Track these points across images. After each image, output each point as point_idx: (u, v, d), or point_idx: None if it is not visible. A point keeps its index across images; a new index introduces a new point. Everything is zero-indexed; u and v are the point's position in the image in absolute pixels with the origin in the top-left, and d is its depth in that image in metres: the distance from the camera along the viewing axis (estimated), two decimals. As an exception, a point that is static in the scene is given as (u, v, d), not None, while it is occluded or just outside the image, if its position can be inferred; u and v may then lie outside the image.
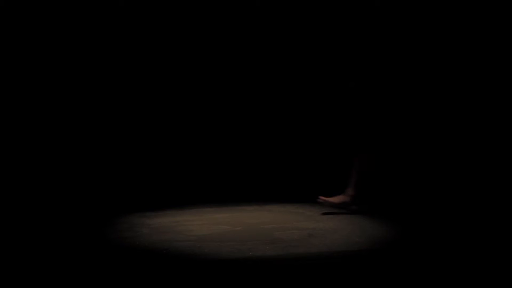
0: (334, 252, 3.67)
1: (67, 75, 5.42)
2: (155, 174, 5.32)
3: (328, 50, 5.64)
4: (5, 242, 3.76)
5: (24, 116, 5.29)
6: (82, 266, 3.37)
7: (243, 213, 4.68)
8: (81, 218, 4.35)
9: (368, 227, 4.22)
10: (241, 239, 3.90)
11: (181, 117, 5.62)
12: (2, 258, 3.46)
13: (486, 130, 5.40)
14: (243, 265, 3.44)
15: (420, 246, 3.81)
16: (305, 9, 5.60)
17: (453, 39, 5.35)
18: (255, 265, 3.44)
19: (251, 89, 5.75)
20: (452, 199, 4.94)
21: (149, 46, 5.54)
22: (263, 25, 5.71)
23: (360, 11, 4.19)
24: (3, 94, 5.22)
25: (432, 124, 5.60)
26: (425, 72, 5.59)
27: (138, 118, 5.60)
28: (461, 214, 4.56)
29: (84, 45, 5.42)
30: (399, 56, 3.66)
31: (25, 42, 5.24)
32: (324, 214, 4.50)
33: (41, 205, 4.61)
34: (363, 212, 4.41)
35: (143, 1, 5.47)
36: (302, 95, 5.82)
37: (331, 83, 5.78)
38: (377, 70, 3.68)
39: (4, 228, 4.02)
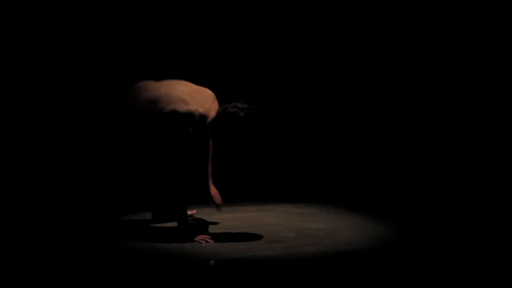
0: (334, 252, 3.67)
1: (68, 74, 5.42)
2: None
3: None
4: (6, 242, 3.76)
5: (25, 117, 5.29)
6: (82, 266, 3.38)
7: (243, 213, 4.68)
8: (82, 219, 4.35)
9: (368, 227, 4.22)
10: (241, 239, 3.90)
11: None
12: (4, 258, 3.47)
13: (486, 131, 5.40)
14: (243, 265, 3.44)
15: (420, 246, 3.82)
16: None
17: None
18: (255, 265, 3.44)
19: (250, 89, 5.75)
20: (452, 199, 4.94)
21: (148, 46, 5.54)
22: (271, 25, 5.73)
23: None
24: (3, 94, 5.22)
25: (432, 125, 5.61)
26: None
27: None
28: (461, 214, 4.56)
29: (84, 45, 5.42)
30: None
31: (25, 42, 5.24)
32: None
33: (43, 205, 4.61)
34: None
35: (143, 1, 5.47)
36: (301, 96, 5.82)
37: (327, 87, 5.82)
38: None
39: (5, 229, 4.03)
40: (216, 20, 5.60)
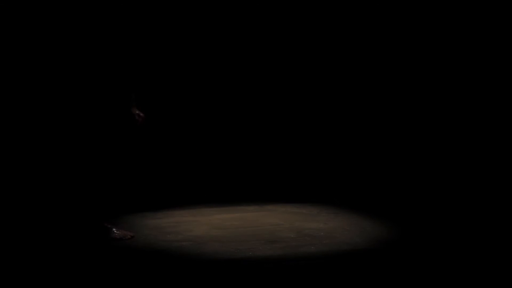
0: (334, 252, 3.67)
1: (66, 74, 5.42)
2: (155, 174, 5.31)
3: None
4: (5, 242, 3.76)
5: (24, 117, 5.29)
6: (82, 266, 3.38)
7: (243, 213, 4.68)
8: (81, 219, 4.35)
9: (368, 227, 4.22)
10: (241, 239, 3.91)
11: (181, 118, 5.62)
12: (2, 258, 3.47)
13: (486, 131, 5.40)
14: (243, 265, 3.44)
15: (420, 246, 3.82)
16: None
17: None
18: (255, 265, 3.44)
19: (250, 90, 5.75)
20: (452, 199, 4.94)
21: (148, 46, 5.53)
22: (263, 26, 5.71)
23: None
24: (3, 94, 5.22)
25: (432, 126, 5.61)
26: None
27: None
28: (461, 214, 4.56)
29: (84, 45, 5.41)
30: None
31: (25, 42, 5.24)
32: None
33: (42, 206, 4.60)
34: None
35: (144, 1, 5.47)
36: (301, 96, 5.82)
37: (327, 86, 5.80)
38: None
39: (4, 229, 4.03)
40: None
